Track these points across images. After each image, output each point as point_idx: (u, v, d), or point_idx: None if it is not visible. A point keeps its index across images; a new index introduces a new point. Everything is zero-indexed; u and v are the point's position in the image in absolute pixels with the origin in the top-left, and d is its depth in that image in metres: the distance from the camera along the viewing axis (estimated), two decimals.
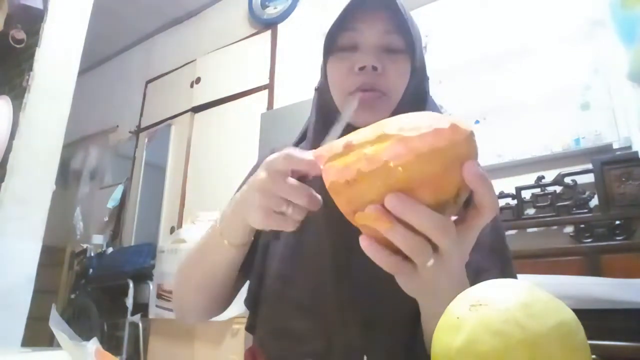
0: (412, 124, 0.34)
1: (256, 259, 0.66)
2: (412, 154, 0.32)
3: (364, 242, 0.35)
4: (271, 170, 0.45)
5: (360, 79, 0.59)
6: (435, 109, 0.68)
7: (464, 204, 0.36)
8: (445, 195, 0.34)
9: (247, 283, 0.69)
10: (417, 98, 0.63)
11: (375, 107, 0.59)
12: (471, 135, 0.33)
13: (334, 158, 0.38)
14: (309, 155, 0.43)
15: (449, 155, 0.32)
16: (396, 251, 0.35)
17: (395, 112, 0.60)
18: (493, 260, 0.55)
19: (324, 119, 0.64)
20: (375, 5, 0.60)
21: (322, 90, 0.65)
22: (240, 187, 0.60)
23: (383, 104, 0.60)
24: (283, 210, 0.45)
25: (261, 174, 0.46)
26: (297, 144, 0.72)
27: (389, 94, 0.60)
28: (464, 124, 0.34)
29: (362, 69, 0.58)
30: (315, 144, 0.62)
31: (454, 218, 0.37)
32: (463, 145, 0.33)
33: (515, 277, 0.57)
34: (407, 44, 0.60)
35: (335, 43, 0.62)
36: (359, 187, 0.35)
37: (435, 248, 0.35)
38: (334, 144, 0.39)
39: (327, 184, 0.37)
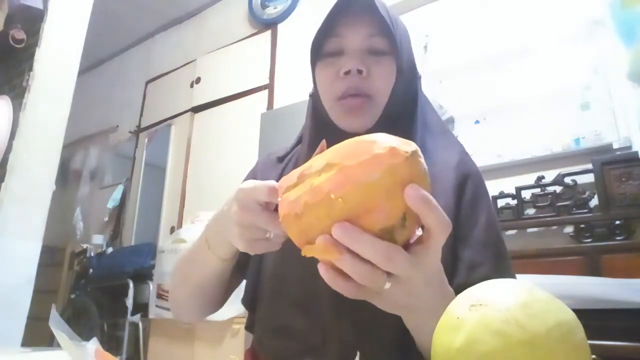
0: (354, 151, 0.34)
1: (252, 259, 0.66)
2: (350, 183, 0.32)
3: (322, 270, 0.35)
4: (248, 201, 0.45)
5: (346, 84, 0.60)
6: (428, 106, 0.69)
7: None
8: (391, 220, 0.33)
9: (244, 282, 0.70)
10: (406, 98, 0.64)
11: (362, 112, 0.60)
12: (412, 156, 0.32)
13: (289, 189, 0.38)
14: None
15: (388, 180, 0.31)
16: None
17: (385, 113, 0.61)
18: (486, 254, 0.56)
19: (318, 124, 0.66)
20: (357, 10, 0.61)
21: (315, 97, 0.66)
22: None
23: (370, 108, 0.61)
24: (265, 237, 0.47)
25: (236, 205, 0.46)
26: (294, 147, 0.73)
27: (375, 96, 0.60)
28: (404, 145, 0.33)
29: (347, 73, 0.59)
30: (310, 148, 0.64)
31: (418, 235, 0.36)
32: (403, 168, 0.32)
33: (511, 271, 0.57)
34: (391, 46, 0.61)
35: (321, 50, 0.63)
36: (307, 220, 0.34)
37: (389, 272, 0.34)
38: (292, 174, 0.39)
39: (280, 218, 0.37)
